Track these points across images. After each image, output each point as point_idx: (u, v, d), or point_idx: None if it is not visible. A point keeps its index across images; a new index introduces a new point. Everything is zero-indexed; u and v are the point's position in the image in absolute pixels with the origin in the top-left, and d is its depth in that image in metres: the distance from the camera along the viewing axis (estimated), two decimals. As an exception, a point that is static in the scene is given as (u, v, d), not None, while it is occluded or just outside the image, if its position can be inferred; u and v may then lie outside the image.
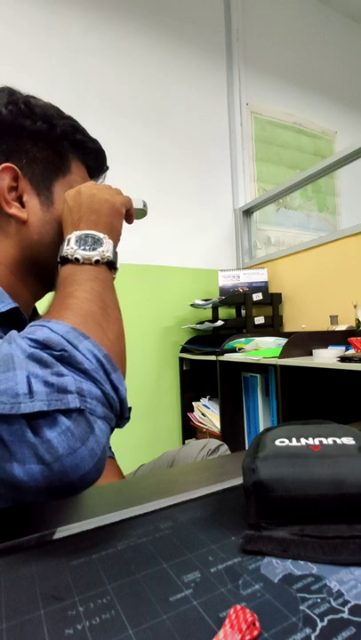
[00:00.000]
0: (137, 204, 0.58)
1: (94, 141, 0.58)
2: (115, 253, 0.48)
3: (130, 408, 0.38)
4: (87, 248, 0.45)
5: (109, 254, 0.46)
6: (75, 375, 0.33)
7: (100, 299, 0.42)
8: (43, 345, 0.33)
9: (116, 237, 0.50)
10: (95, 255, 0.45)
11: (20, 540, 0.33)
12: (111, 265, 0.47)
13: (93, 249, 0.45)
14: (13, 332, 0.35)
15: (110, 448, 0.76)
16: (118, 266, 0.49)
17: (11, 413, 0.29)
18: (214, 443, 0.84)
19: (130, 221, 0.56)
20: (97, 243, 0.46)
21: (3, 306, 0.45)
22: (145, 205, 0.60)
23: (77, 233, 0.47)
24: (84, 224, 0.48)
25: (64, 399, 0.31)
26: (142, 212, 0.60)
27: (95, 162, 0.60)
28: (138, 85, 2.00)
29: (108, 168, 0.63)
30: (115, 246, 0.49)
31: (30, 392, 0.30)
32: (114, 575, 0.27)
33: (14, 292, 0.50)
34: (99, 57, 1.90)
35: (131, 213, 0.55)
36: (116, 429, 0.39)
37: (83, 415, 0.31)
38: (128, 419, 0.38)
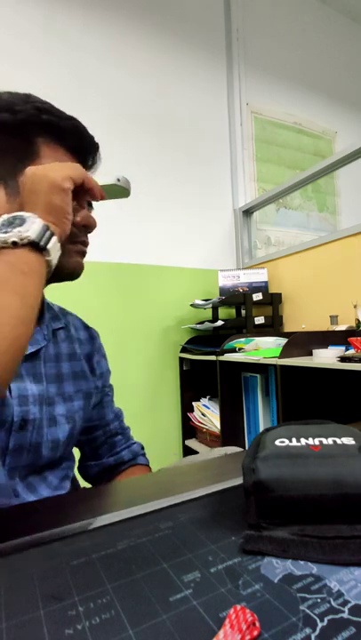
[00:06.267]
0: (106, 180, 0.53)
1: (69, 119, 0.54)
2: (41, 233, 0.43)
3: None
4: (8, 230, 0.42)
5: (29, 234, 0.41)
6: None
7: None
8: None
9: (58, 216, 0.46)
10: (11, 236, 0.41)
11: (20, 540, 0.33)
12: (36, 245, 0.42)
13: (9, 231, 0.41)
14: None
15: (144, 455, 0.76)
16: (50, 246, 0.43)
17: None
18: (233, 450, 0.83)
19: (96, 198, 0.51)
20: (20, 223, 0.42)
21: None
22: (120, 181, 0.53)
23: (5, 216, 0.43)
24: (28, 207, 0.45)
25: None
26: (119, 190, 0.54)
27: (73, 140, 0.55)
28: (137, 85, 2.00)
29: (96, 146, 0.59)
30: (50, 226, 0.44)
31: None
32: (114, 575, 0.27)
33: None
34: (98, 56, 1.90)
35: (90, 188, 0.49)
36: None
37: None
38: None
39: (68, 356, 0.64)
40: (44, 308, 0.63)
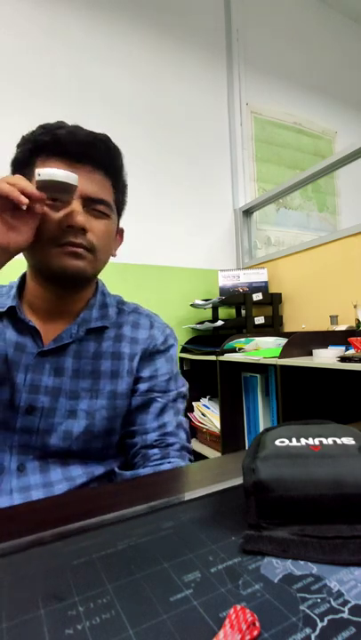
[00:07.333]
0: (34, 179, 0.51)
1: (51, 129, 0.57)
2: None
3: None
4: None
5: None
6: None
7: None
8: None
9: None
10: None
11: (20, 540, 0.33)
12: None
13: None
14: None
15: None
16: None
17: None
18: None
19: (17, 203, 0.50)
20: None
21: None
22: (41, 175, 0.50)
23: None
24: None
25: None
26: (56, 184, 0.51)
27: (59, 148, 0.57)
28: (137, 85, 2.00)
29: (93, 144, 0.59)
30: None
31: None
32: (114, 575, 0.27)
33: (36, 293, 0.63)
34: (98, 56, 1.90)
35: (5, 195, 0.49)
36: None
37: None
38: None
39: (111, 354, 0.65)
40: (84, 308, 0.66)
